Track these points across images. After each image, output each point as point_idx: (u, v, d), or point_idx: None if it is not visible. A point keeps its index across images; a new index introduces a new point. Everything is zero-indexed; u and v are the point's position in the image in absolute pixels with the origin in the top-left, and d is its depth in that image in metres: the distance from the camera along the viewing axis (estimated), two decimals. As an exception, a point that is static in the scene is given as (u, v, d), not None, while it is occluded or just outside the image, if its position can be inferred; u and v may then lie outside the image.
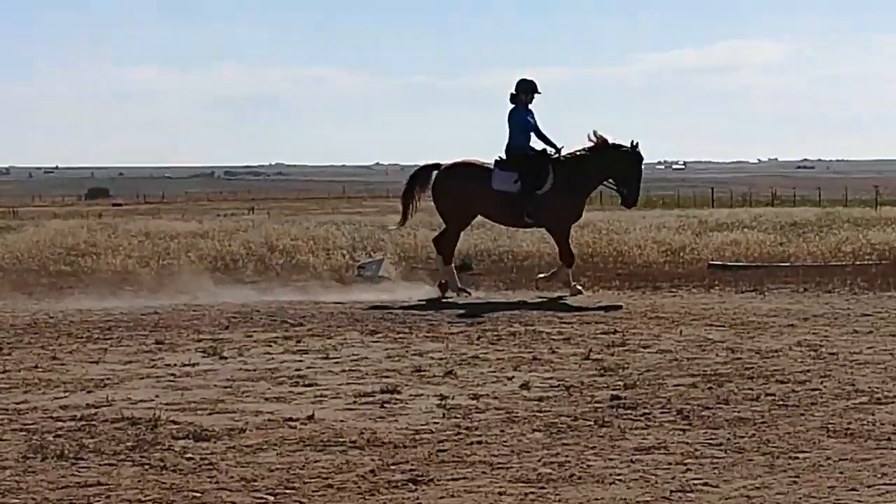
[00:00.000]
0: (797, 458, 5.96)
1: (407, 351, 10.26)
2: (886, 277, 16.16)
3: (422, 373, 9.03)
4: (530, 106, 15.56)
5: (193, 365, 9.44)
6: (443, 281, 15.25)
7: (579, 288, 14.96)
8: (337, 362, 9.62)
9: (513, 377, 8.74)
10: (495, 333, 11.30)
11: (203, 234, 27.76)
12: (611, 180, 15.56)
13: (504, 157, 15.31)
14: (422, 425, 6.98)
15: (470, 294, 15.02)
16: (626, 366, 9.14)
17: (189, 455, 6.15)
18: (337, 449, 6.31)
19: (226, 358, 9.90)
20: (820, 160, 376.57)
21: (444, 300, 14.65)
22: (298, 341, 10.85)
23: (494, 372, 9.05)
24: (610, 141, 15.18)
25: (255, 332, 11.61)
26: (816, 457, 5.97)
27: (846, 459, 5.91)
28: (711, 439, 6.42)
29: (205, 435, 6.62)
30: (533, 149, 15.38)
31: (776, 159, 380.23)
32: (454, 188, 15.51)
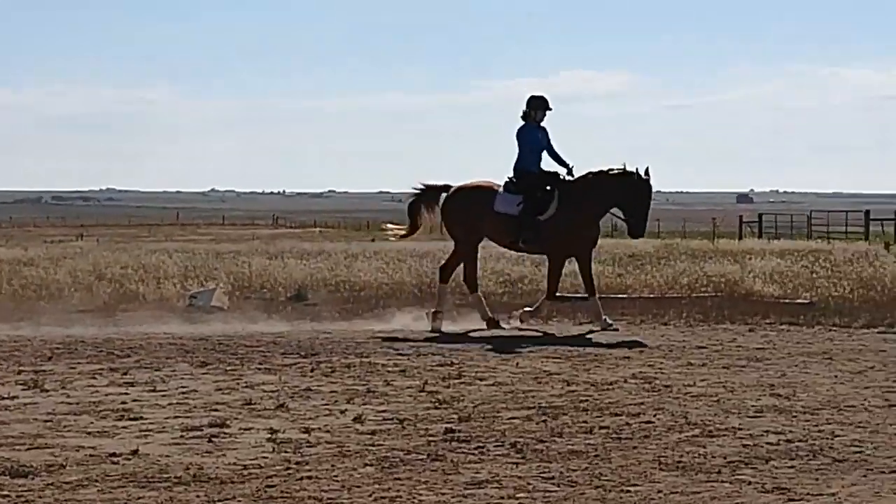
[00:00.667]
0: (629, 491, 6.06)
1: (238, 383, 10.11)
2: (722, 310, 16.53)
3: (252, 406, 8.90)
4: (543, 123, 15.26)
5: (13, 398, 9.14)
6: (489, 317, 14.99)
7: (610, 322, 14.62)
8: (164, 395, 9.43)
9: (346, 410, 8.69)
10: (329, 365, 11.22)
11: (28, 261, 26.78)
12: (618, 208, 15.26)
13: (512, 177, 15.08)
14: (250, 460, 6.88)
15: (502, 326, 14.83)
16: (461, 398, 9.18)
17: (5, 492, 5.97)
18: (161, 485, 6.18)
19: (47, 391, 9.61)
20: (659, 191, 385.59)
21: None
22: (125, 373, 10.59)
23: (327, 405, 8.99)
24: (619, 168, 14.93)
25: (79, 363, 11.31)
26: (648, 490, 6.08)
27: (677, 493, 6.03)
28: (544, 473, 6.49)
29: (22, 471, 6.43)
30: (541, 170, 15.15)
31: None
32: (459, 211, 15.37)
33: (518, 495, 5.97)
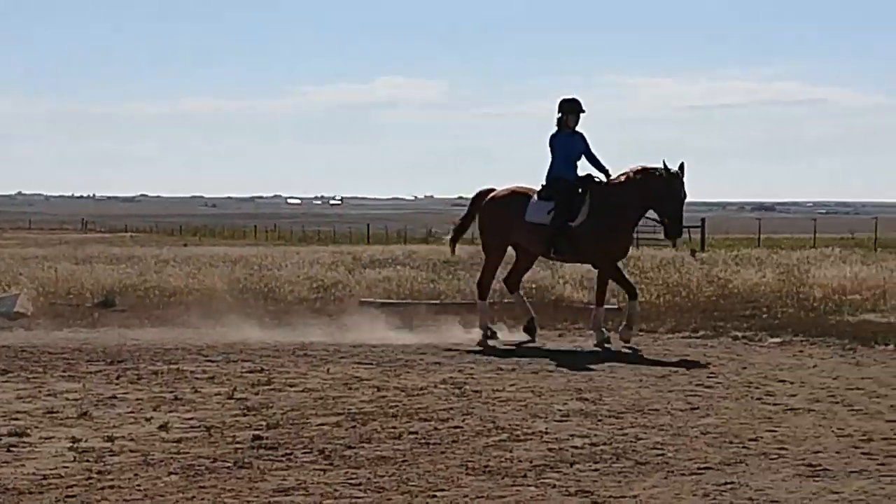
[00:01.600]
0: (436, 496, 6.11)
1: (40, 391, 9.83)
2: None
3: (54, 414, 8.66)
4: (578, 128, 14.37)
5: None
6: (487, 326, 14.58)
7: (608, 335, 13.92)
8: (-39, 405, 9.09)
9: (151, 418, 8.52)
10: (136, 372, 10.99)
11: None
12: (652, 210, 14.37)
13: (545, 185, 14.37)
14: (50, 470, 6.71)
15: (496, 336, 14.32)
16: (270, 405, 9.11)
17: None
18: (-47, 497, 5.97)
19: None
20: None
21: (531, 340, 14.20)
22: None
23: (132, 413, 8.79)
24: (650, 167, 14.01)
25: None
26: (454, 495, 6.14)
27: (483, 497, 6.11)
28: (352, 479, 6.49)
29: None
30: (576, 176, 14.31)
31: (432, 196, 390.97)
32: (490, 219, 14.95)
33: (325, 501, 5.96)
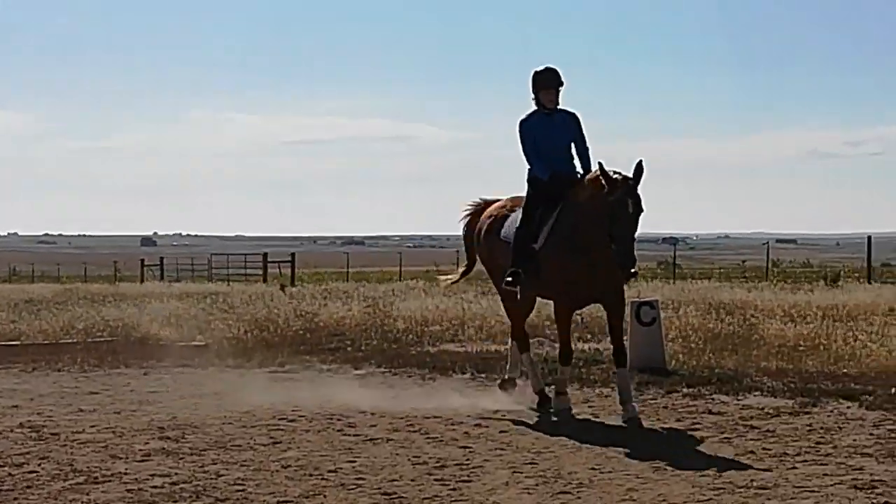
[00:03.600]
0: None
1: None
2: (117, 354, 16.48)
3: None
4: (560, 107, 10.67)
5: None
6: (560, 382, 10.96)
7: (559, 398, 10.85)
8: None
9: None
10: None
11: None
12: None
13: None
14: None
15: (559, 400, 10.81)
16: None
17: None
18: None
19: None
20: (62, 235, 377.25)
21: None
22: None
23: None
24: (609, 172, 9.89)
25: None
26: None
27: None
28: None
29: None
30: (555, 173, 10.55)
31: (16, 233, 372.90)
32: (470, 238, 12.10)
33: None
